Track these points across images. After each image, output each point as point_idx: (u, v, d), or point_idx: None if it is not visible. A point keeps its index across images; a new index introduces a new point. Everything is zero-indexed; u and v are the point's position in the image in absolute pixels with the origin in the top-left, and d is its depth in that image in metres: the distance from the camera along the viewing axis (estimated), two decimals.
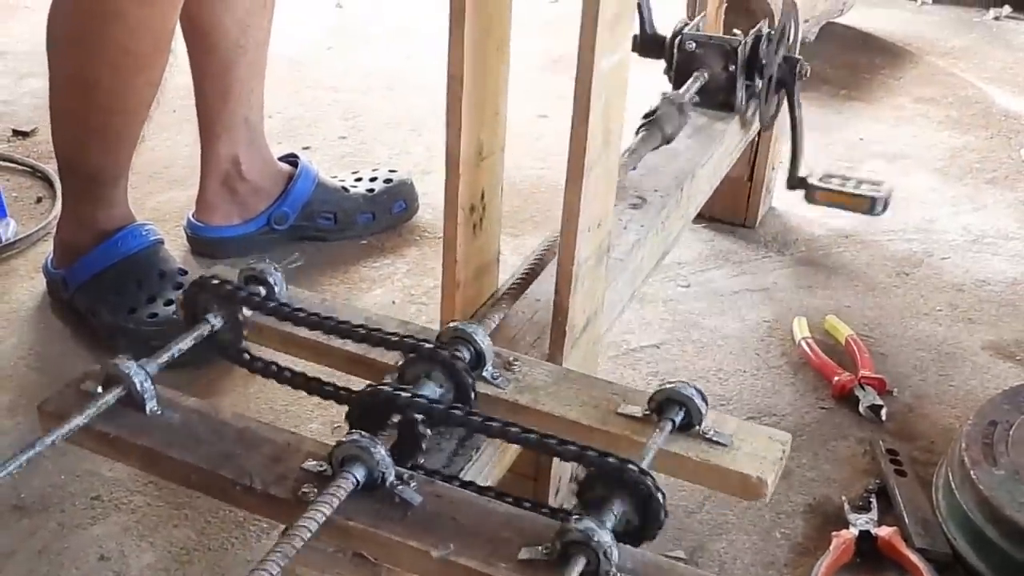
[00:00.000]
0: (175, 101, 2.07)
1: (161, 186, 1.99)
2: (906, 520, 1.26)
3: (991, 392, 1.45)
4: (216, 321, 1.01)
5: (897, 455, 1.36)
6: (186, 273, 1.60)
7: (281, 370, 0.99)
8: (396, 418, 0.86)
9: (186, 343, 0.98)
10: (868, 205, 1.75)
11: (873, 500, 1.30)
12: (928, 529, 1.25)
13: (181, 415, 0.92)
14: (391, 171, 1.92)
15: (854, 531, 1.25)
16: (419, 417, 0.86)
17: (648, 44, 1.65)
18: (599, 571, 0.75)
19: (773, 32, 1.63)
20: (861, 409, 1.45)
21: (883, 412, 1.44)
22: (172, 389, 0.95)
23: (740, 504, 1.30)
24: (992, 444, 1.27)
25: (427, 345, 0.94)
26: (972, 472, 1.23)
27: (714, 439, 0.91)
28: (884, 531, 1.24)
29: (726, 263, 1.80)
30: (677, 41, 1.61)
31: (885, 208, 1.76)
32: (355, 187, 1.87)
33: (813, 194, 1.77)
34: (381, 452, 0.80)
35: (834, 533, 1.25)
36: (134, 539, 1.24)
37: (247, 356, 1.02)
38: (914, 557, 1.21)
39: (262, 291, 1.05)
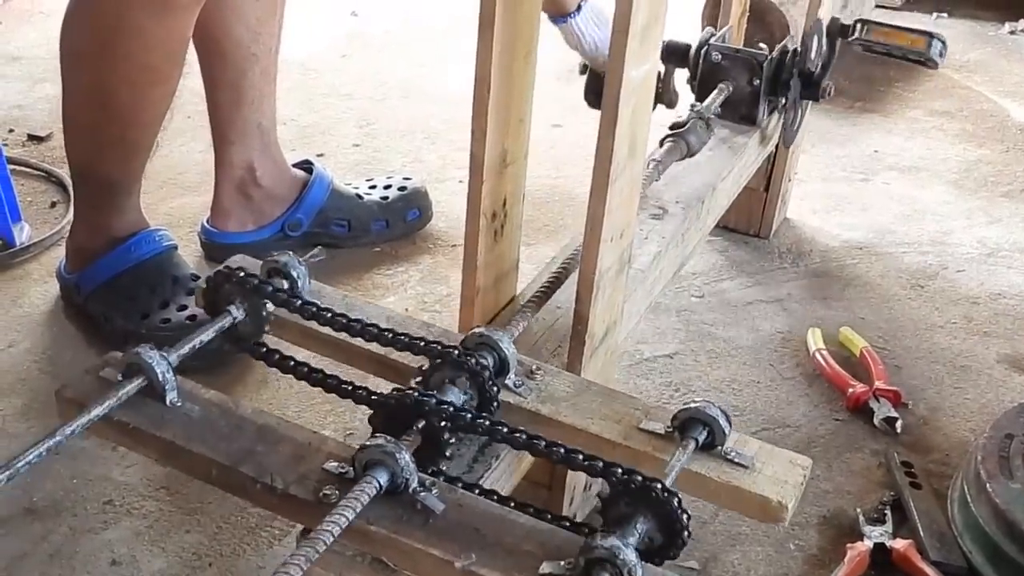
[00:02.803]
0: (188, 107, 2.08)
1: (174, 192, 1.99)
2: (921, 533, 1.26)
3: (1007, 405, 1.45)
4: (238, 313, 1.00)
5: (912, 467, 1.36)
6: (199, 278, 1.59)
7: (307, 369, 0.99)
8: (421, 423, 0.86)
9: (208, 334, 0.98)
10: (925, 44, 1.65)
11: (888, 512, 1.30)
12: (943, 542, 1.24)
13: (201, 408, 0.92)
14: (405, 179, 1.91)
15: (869, 543, 1.24)
16: (444, 424, 0.86)
17: (672, 52, 1.64)
18: None
19: (799, 48, 1.62)
20: (876, 421, 1.45)
21: (898, 424, 1.44)
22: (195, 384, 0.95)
23: None
24: (1008, 457, 1.26)
25: (454, 351, 0.93)
26: (988, 485, 1.22)
27: (736, 460, 0.91)
28: (899, 544, 1.24)
29: (740, 274, 1.80)
30: (703, 52, 1.61)
31: (943, 51, 1.64)
32: (369, 194, 1.87)
33: (868, 36, 1.67)
34: (406, 458, 0.80)
35: (848, 545, 1.24)
36: (146, 544, 1.24)
37: (273, 354, 1.02)
38: (929, 570, 1.21)
39: (285, 285, 1.04)
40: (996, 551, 1.20)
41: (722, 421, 0.90)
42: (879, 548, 1.24)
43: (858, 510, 1.30)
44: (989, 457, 1.26)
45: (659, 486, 0.80)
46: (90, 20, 1.43)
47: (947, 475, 1.36)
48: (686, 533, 0.80)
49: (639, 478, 0.80)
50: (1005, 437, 1.29)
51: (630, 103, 0.95)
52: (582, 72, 1.80)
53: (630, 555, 0.74)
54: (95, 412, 0.87)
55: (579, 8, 1.67)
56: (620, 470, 0.80)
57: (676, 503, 0.79)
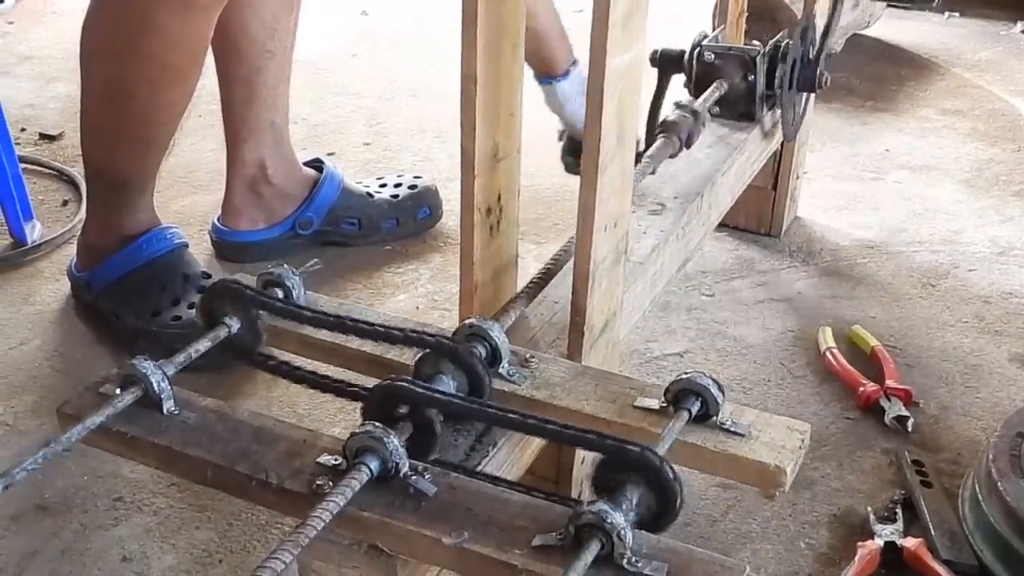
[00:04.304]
0: (200, 106, 2.08)
1: (185, 190, 1.99)
2: (932, 532, 1.25)
3: (1018, 404, 1.44)
4: (233, 324, 1.01)
5: (923, 466, 1.35)
6: (209, 276, 1.60)
7: (297, 369, 1.00)
8: (414, 412, 0.86)
9: (203, 345, 0.99)
10: None
11: (899, 511, 1.29)
12: (954, 541, 1.24)
13: (198, 415, 0.93)
14: (416, 177, 1.92)
15: (879, 542, 1.23)
16: (434, 411, 0.86)
17: (667, 59, 1.64)
18: (613, 554, 0.75)
19: (792, 41, 1.62)
20: (887, 420, 1.44)
21: (909, 423, 1.43)
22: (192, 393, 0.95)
23: (764, 513, 1.29)
24: (1020, 456, 1.25)
25: (441, 340, 0.94)
26: (999, 484, 1.22)
27: (732, 429, 0.91)
28: (910, 542, 1.23)
29: (750, 272, 1.80)
30: (696, 53, 1.61)
31: None
32: (380, 193, 1.87)
33: None
34: (394, 443, 0.80)
35: (859, 544, 1.23)
36: (156, 540, 1.24)
37: (265, 358, 1.02)
38: (940, 569, 1.20)
39: (280, 295, 1.05)
40: (1007, 550, 1.19)
41: (713, 390, 0.90)
42: (890, 547, 1.23)
43: (869, 508, 1.29)
44: (1000, 456, 1.25)
45: (639, 447, 0.79)
46: (112, 18, 1.44)
47: (958, 474, 1.35)
48: (679, 498, 0.79)
49: (626, 445, 0.80)
50: (1016, 436, 1.28)
51: (615, 92, 0.95)
52: (560, 138, 1.78)
53: (618, 519, 0.74)
54: (91, 423, 0.87)
55: (566, 73, 1.67)
56: (608, 440, 0.80)
57: (660, 462, 0.78)
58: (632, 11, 0.94)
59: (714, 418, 0.91)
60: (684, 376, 0.91)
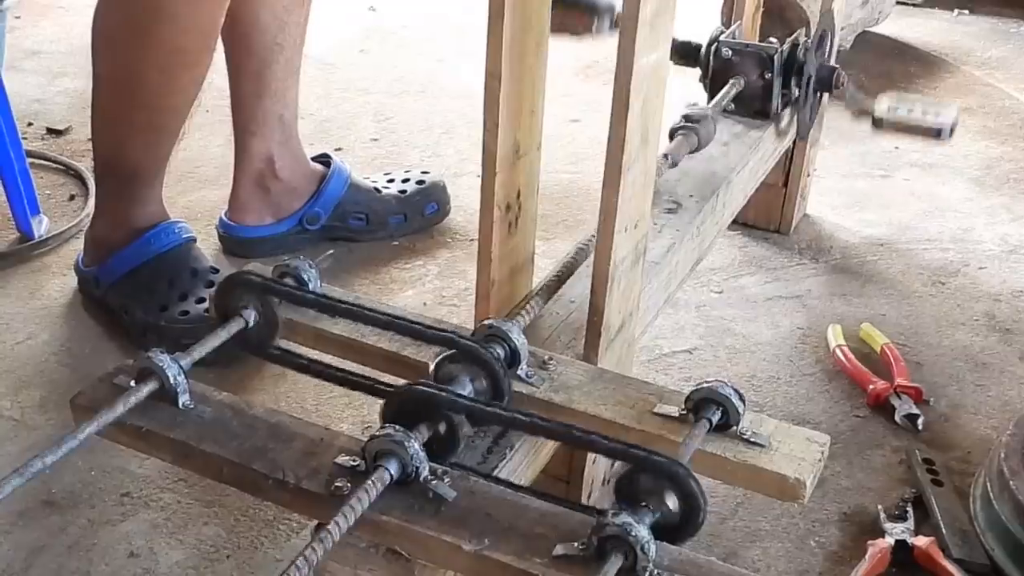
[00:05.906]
0: (208, 101, 2.07)
1: (193, 185, 1.99)
2: (943, 530, 1.24)
3: None
4: (250, 316, 1.00)
5: (933, 464, 1.34)
6: (218, 271, 1.60)
7: (319, 365, 0.99)
8: (434, 416, 0.85)
9: (220, 338, 0.98)
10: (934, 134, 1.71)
11: (909, 509, 1.28)
12: (966, 539, 1.23)
13: (213, 409, 0.92)
14: (423, 173, 1.91)
15: (890, 540, 1.23)
16: (460, 416, 0.85)
17: (684, 52, 1.64)
18: (636, 567, 0.74)
19: (810, 40, 1.61)
20: (897, 418, 1.44)
21: (919, 421, 1.43)
22: (207, 387, 0.95)
23: (774, 511, 1.29)
24: None
25: (464, 341, 0.93)
26: (1011, 482, 1.21)
27: (752, 440, 0.90)
28: (921, 541, 1.22)
29: (760, 269, 1.79)
30: (713, 49, 1.60)
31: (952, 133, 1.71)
32: (387, 188, 1.87)
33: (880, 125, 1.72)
34: (415, 447, 0.80)
35: (870, 542, 1.23)
36: (164, 536, 1.24)
37: (284, 353, 1.01)
38: (951, 568, 1.19)
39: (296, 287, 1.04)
40: (1018, 548, 1.19)
41: (735, 400, 0.90)
42: (900, 545, 1.23)
43: (879, 507, 1.29)
44: (1012, 454, 1.25)
45: (667, 459, 0.79)
46: (122, 4, 1.44)
47: (969, 472, 1.35)
48: (703, 510, 0.79)
49: (654, 456, 0.79)
50: None
51: (641, 92, 0.95)
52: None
53: (642, 532, 0.74)
54: (107, 417, 0.87)
55: None
56: (635, 450, 0.80)
57: (685, 474, 0.78)
58: (660, 11, 0.94)
59: (734, 427, 0.91)
60: (706, 385, 0.91)
